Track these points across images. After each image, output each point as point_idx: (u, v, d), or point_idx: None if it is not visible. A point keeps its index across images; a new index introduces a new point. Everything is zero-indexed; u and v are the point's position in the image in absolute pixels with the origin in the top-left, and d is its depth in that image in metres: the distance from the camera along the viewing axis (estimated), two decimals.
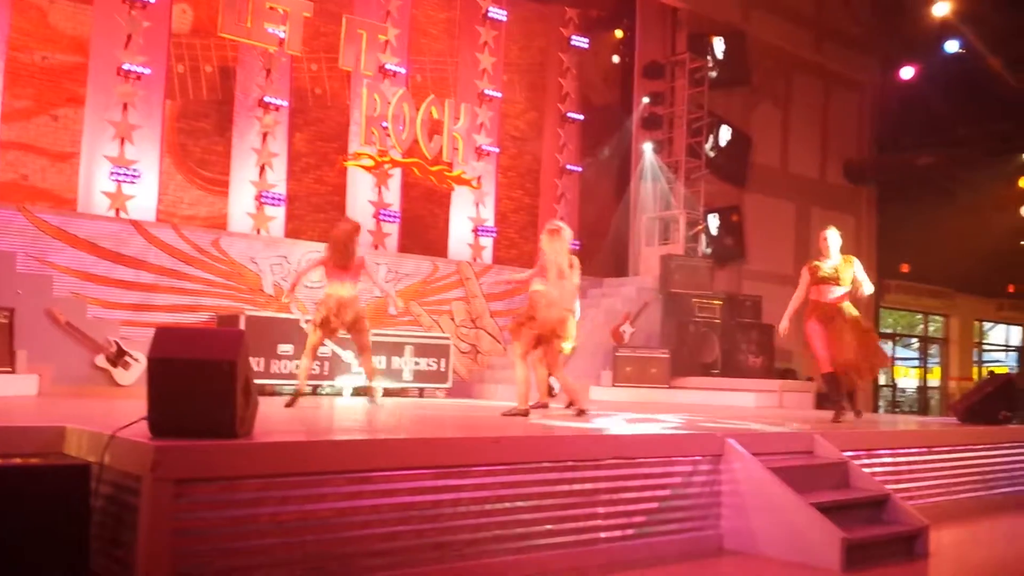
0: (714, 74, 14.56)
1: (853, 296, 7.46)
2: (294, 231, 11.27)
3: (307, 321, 7.96)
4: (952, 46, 14.99)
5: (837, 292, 7.35)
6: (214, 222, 10.75)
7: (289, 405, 6.86)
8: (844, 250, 7.57)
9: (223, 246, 10.37)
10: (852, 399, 8.12)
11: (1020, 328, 24.82)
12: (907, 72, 16.11)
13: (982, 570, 5.19)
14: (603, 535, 4.72)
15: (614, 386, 11.69)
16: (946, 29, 14.61)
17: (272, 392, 9.25)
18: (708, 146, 14.54)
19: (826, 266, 7.39)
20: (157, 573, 3.34)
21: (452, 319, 12.07)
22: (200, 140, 10.80)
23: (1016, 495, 7.61)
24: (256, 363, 9.39)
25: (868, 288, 7.49)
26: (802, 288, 7.53)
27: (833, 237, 7.49)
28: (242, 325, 9.35)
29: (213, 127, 10.87)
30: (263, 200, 10.94)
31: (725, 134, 14.83)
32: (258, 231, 10.89)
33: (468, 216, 12.82)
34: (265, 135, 11.01)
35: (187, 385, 3.62)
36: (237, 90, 10.93)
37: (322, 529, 3.77)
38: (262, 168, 11.00)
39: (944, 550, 5.43)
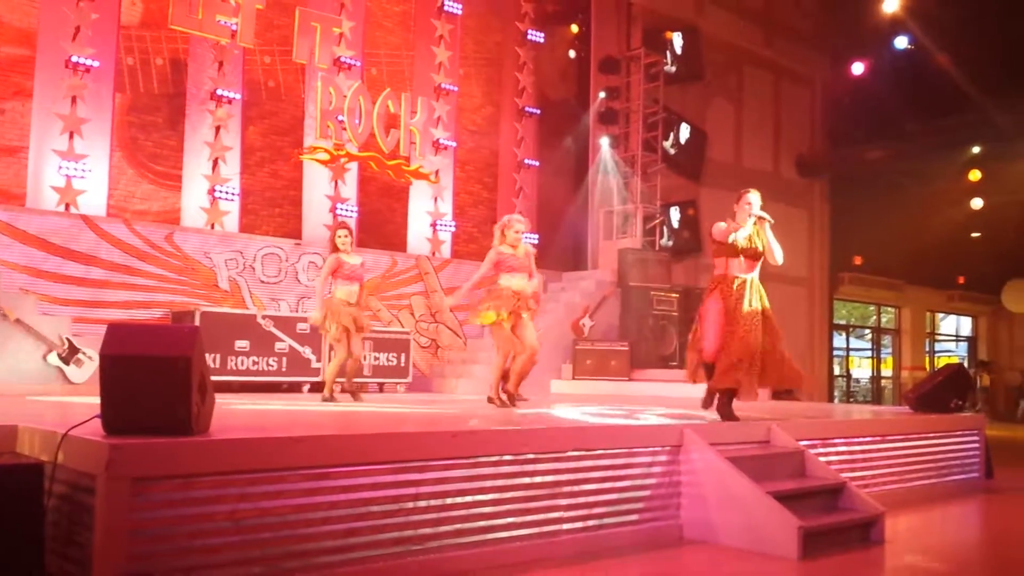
0: (672, 69, 14.66)
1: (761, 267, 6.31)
2: (249, 226, 11.12)
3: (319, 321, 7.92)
4: (901, 42, 15.25)
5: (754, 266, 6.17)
6: (167, 217, 10.58)
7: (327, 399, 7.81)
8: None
9: (176, 241, 10.21)
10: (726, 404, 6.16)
11: (970, 319, 25.39)
12: (857, 67, 16.36)
13: (936, 555, 5.29)
14: (565, 527, 4.73)
15: (574, 379, 11.75)
16: (896, 25, 14.86)
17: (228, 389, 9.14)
18: (668, 143, 14.64)
19: (742, 235, 6.10)
20: (113, 573, 3.28)
21: (412, 313, 12.02)
22: (151, 134, 10.61)
23: (968, 482, 7.78)
24: (212, 359, 9.26)
25: (779, 256, 6.17)
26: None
27: (757, 200, 6.22)
28: (197, 321, 9.23)
29: (165, 121, 10.69)
30: (217, 194, 10.79)
31: (684, 131, 14.96)
32: (212, 226, 10.73)
33: (426, 210, 12.77)
34: (218, 128, 10.86)
35: (141, 382, 3.55)
36: (189, 83, 10.75)
37: (280, 526, 3.73)
38: (215, 162, 10.84)
39: (899, 536, 5.53)
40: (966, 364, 23.93)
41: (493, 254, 7.26)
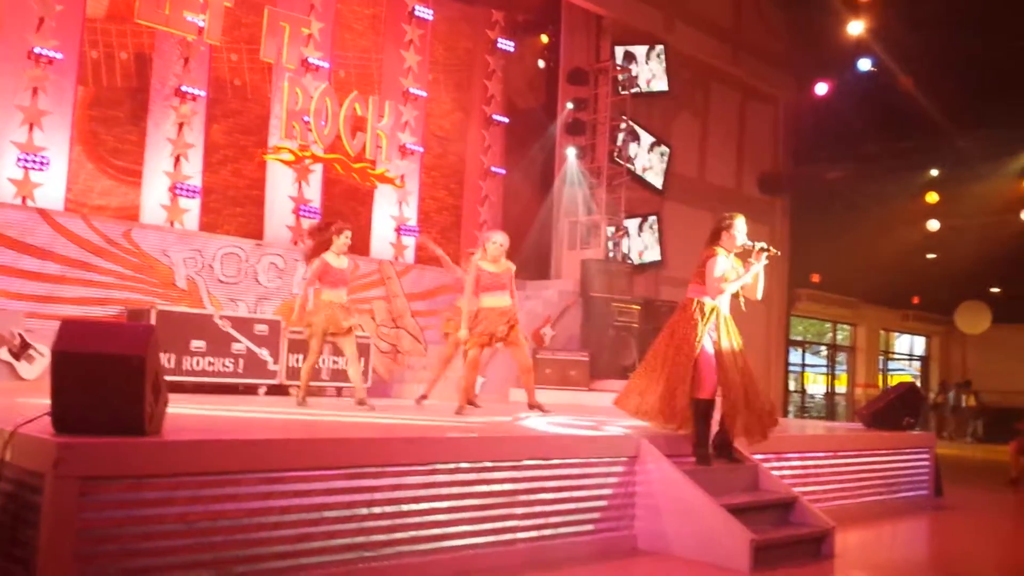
0: (644, 85, 14.81)
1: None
2: (209, 224, 10.99)
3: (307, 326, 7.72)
4: (865, 64, 15.51)
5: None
6: (126, 213, 10.42)
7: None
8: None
9: (135, 238, 10.06)
10: (729, 449, 5.72)
11: (924, 338, 25.85)
12: (821, 88, 16.59)
13: (885, 570, 5.37)
14: (520, 535, 4.73)
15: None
16: (860, 47, 15.11)
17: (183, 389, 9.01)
18: (632, 153, 14.76)
19: (729, 270, 5.66)
20: (58, 573, 3.22)
21: (373, 318, 11.96)
22: (113, 128, 10.45)
23: (917, 499, 7.92)
24: (167, 359, 9.13)
25: (761, 292, 5.77)
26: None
27: (744, 227, 5.77)
28: (153, 320, 9.09)
29: (127, 115, 10.53)
30: (178, 192, 10.65)
31: (647, 142, 15.10)
32: (172, 224, 10.59)
33: (391, 215, 12.72)
34: (181, 125, 10.73)
35: (93, 380, 3.50)
36: (153, 78, 10.61)
37: (232, 530, 3.70)
38: (177, 159, 10.71)
39: (849, 551, 5.60)
40: (936, 384, 24.40)
41: (473, 269, 7.29)
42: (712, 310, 5.51)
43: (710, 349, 5.46)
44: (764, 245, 5.65)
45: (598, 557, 4.98)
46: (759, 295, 5.74)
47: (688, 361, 5.42)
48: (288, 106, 11.24)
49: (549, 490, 4.90)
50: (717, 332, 5.50)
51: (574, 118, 14.60)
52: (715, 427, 5.60)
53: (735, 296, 5.65)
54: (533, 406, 7.54)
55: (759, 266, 5.63)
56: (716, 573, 4.77)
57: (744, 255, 5.70)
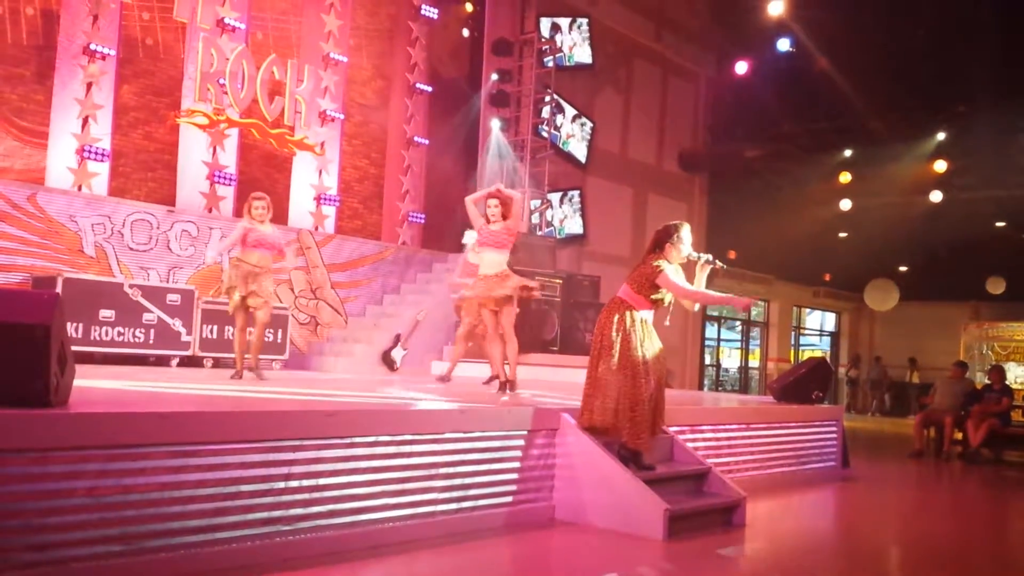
0: (568, 58, 14.80)
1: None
2: (119, 189, 10.61)
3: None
4: (784, 44, 15.80)
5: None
6: (31, 176, 9.96)
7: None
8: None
9: (40, 202, 9.64)
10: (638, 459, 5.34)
11: (834, 314, 26.71)
12: (741, 67, 16.85)
13: (792, 538, 5.54)
14: (440, 508, 4.73)
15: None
16: (780, 27, 15.38)
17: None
18: (557, 126, 14.78)
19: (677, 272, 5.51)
20: None
21: (291, 289, 11.75)
22: (17, 87, 9.96)
23: (826, 470, 8.19)
24: (74, 329, 8.82)
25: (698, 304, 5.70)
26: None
27: (690, 236, 5.59)
28: (59, 288, 8.75)
29: (32, 74, 10.05)
30: (86, 155, 10.23)
31: (570, 116, 15.13)
32: (79, 188, 10.18)
33: (310, 183, 12.47)
34: (90, 85, 10.29)
35: None
36: (60, 36, 10.14)
37: (143, 504, 3.60)
38: (85, 120, 10.27)
39: (759, 520, 5.77)
40: (847, 359, 25.25)
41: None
42: (643, 322, 5.33)
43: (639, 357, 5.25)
44: (709, 258, 5.54)
45: (517, 528, 5.02)
46: (697, 307, 5.61)
47: (629, 369, 5.23)
48: (203, 68, 10.90)
49: (469, 463, 4.91)
50: (645, 340, 5.32)
51: (498, 89, 14.52)
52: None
53: (664, 308, 5.47)
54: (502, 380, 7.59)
55: (703, 277, 5.50)
56: (632, 542, 4.85)
57: (687, 266, 5.50)
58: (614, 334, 5.28)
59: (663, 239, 5.45)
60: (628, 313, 5.33)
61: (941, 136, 17.57)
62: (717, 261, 5.56)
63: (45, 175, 10.03)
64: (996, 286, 22.18)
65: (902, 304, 23.23)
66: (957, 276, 21.63)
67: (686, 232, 5.49)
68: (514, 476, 5.16)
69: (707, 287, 5.59)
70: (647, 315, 5.39)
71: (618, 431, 5.25)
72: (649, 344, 5.32)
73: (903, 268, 23.18)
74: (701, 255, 5.52)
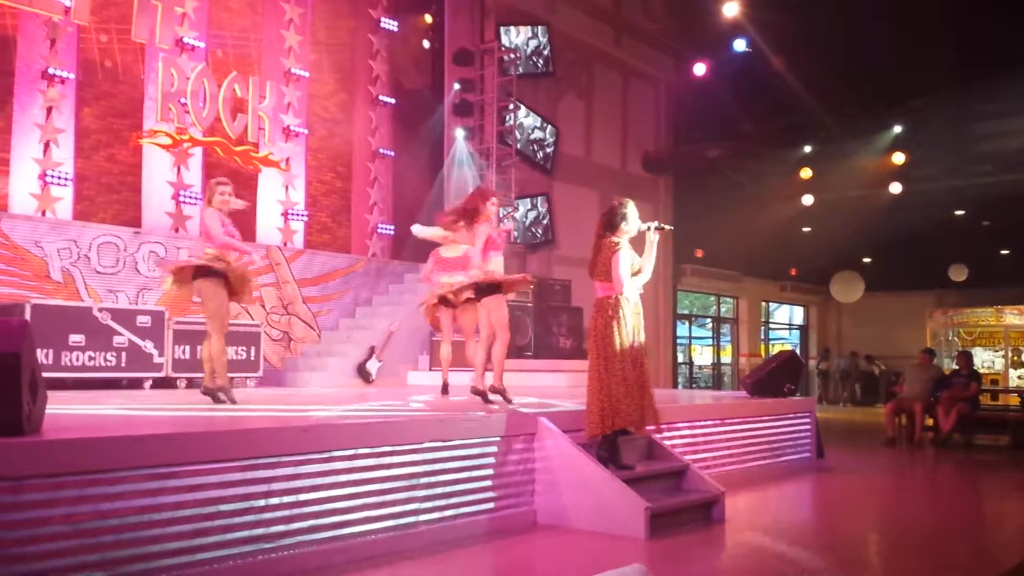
0: (528, 66, 14.87)
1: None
2: (84, 213, 10.49)
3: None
4: (740, 45, 15.99)
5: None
6: None
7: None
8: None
9: (4, 229, 9.51)
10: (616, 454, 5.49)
11: (802, 308, 27.00)
12: (699, 68, 17.03)
13: (771, 531, 5.61)
14: (422, 518, 4.74)
15: (431, 370, 11.69)
16: (735, 28, 15.57)
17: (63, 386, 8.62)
18: (520, 134, 14.83)
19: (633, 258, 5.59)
20: None
21: (263, 306, 11.68)
22: None
23: (801, 461, 8.29)
24: (44, 355, 8.71)
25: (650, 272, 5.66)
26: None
27: (635, 211, 5.66)
28: (28, 314, 8.64)
29: None
30: (48, 179, 10.11)
31: (534, 123, 15.21)
32: (43, 213, 10.06)
33: (277, 199, 12.41)
34: (50, 110, 10.18)
35: None
36: (18, 61, 10.01)
37: (122, 528, 3.58)
38: (47, 145, 10.16)
39: (738, 515, 5.83)
40: (818, 352, 25.50)
41: (484, 231, 7.23)
42: (621, 302, 5.38)
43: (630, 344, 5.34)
44: (657, 224, 5.62)
45: (499, 534, 5.04)
46: (649, 273, 5.61)
47: (624, 361, 5.29)
48: (163, 88, 10.83)
49: (450, 471, 4.92)
50: (630, 323, 5.38)
51: (461, 99, 14.56)
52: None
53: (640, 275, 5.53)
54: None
55: (655, 241, 5.57)
56: (614, 542, 4.89)
57: (638, 239, 5.61)
58: (613, 334, 5.35)
59: (613, 220, 5.51)
60: (616, 303, 5.36)
61: (898, 129, 17.87)
62: (664, 225, 5.69)
63: (8, 201, 9.90)
64: (959, 273, 22.55)
65: (868, 295, 23.54)
66: (920, 265, 22.00)
67: (632, 208, 5.57)
68: (494, 483, 5.18)
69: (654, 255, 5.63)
70: (630, 293, 5.45)
71: (631, 422, 5.28)
72: (636, 325, 5.41)
73: (867, 260, 23.51)
74: (650, 224, 5.62)
